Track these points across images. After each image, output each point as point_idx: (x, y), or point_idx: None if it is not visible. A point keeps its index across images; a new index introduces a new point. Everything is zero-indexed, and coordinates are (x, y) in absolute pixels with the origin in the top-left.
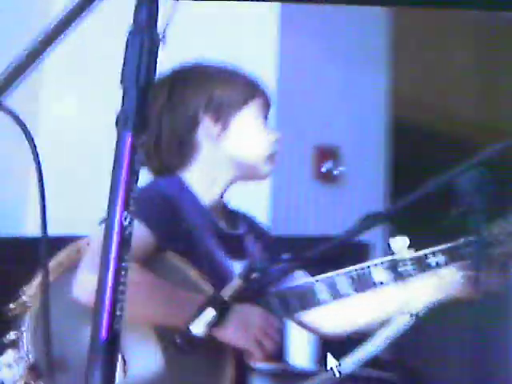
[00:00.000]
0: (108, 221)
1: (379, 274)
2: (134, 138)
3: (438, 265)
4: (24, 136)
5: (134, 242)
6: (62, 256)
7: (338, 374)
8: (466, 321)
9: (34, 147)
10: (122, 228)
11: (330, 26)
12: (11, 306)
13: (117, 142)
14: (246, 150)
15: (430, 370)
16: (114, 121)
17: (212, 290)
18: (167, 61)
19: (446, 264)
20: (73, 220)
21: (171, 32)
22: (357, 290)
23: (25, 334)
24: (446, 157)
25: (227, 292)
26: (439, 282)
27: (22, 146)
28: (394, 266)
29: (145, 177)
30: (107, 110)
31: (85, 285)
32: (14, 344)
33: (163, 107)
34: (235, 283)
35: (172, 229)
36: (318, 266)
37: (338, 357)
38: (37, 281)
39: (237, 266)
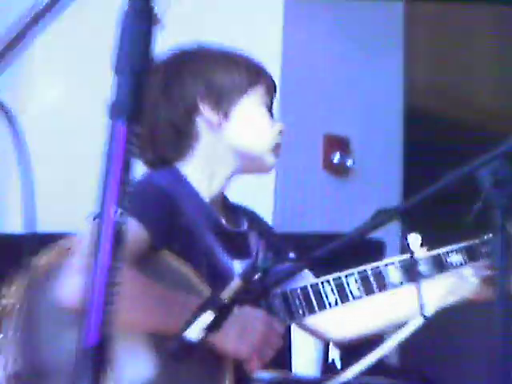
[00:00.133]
0: (99, 217)
1: (394, 273)
2: (128, 127)
3: (455, 264)
4: (9, 126)
5: (126, 239)
6: (47, 257)
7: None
8: (483, 325)
9: (18, 138)
10: (114, 224)
11: (342, 12)
12: None
13: (109, 132)
14: (248, 140)
15: (444, 378)
16: (106, 109)
17: (210, 292)
18: (165, 46)
19: (465, 263)
20: (59, 216)
21: (169, 13)
22: (368, 292)
23: (5, 340)
24: (464, 148)
25: (226, 294)
26: (457, 283)
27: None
28: (410, 266)
29: (139, 170)
30: (97, 98)
31: (71, 288)
32: None
33: (159, 94)
34: (235, 284)
35: (168, 225)
36: (326, 265)
37: (345, 364)
38: (19, 282)
39: (237, 266)
